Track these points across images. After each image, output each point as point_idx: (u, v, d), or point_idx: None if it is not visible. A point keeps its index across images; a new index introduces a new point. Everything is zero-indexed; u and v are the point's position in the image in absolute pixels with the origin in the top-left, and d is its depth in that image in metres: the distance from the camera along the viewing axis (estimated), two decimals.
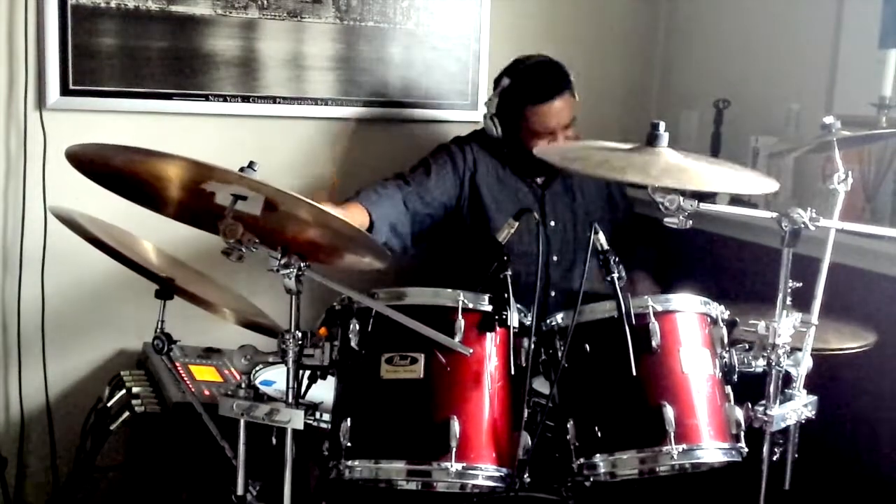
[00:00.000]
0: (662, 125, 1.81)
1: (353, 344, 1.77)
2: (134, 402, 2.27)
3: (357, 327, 1.78)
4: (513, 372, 1.78)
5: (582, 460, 1.77)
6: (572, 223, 2.71)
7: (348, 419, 1.73)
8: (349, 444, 1.72)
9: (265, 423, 1.76)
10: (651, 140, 1.82)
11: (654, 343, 1.76)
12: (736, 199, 2.73)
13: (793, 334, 1.79)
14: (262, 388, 1.93)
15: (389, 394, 1.74)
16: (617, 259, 1.81)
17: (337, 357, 1.80)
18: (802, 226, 1.75)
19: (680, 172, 1.77)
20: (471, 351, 1.73)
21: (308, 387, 1.85)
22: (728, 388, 1.83)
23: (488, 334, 1.78)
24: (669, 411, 1.71)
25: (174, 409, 2.16)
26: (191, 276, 2.08)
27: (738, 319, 1.89)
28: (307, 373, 1.83)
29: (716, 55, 3.08)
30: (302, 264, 1.71)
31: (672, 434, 1.70)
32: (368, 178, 2.61)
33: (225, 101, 2.73)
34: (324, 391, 1.86)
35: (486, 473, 1.71)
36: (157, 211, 1.82)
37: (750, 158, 2.70)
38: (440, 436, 1.68)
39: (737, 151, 2.74)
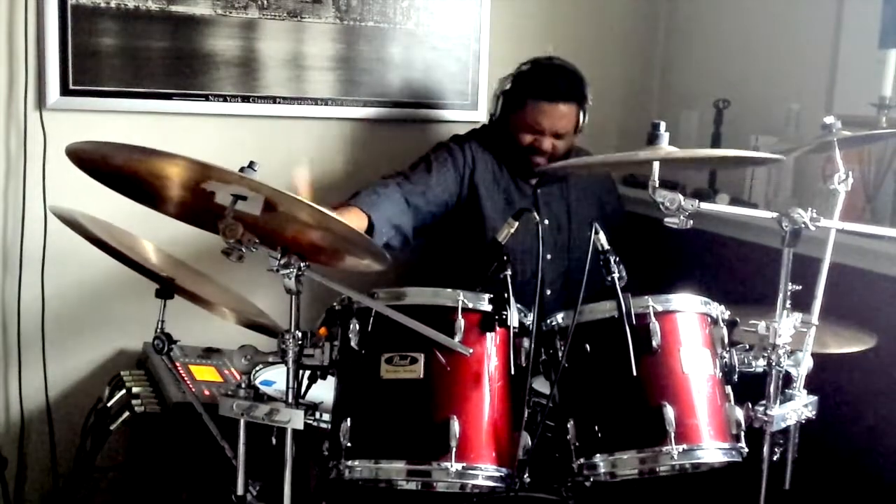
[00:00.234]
0: (663, 125, 1.81)
1: (353, 344, 1.77)
2: (134, 402, 2.27)
3: (357, 327, 1.78)
4: (513, 372, 1.78)
5: (582, 460, 1.77)
6: (566, 222, 2.71)
7: (348, 419, 1.73)
8: (349, 444, 1.72)
9: (265, 423, 1.76)
10: (651, 140, 1.82)
11: (654, 343, 1.76)
12: (736, 200, 2.74)
13: (793, 335, 1.79)
14: (262, 388, 1.93)
15: (389, 394, 1.74)
16: (617, 259, 1.81)
17: (337, 357, 1.80)
18: (803, 226, 1.75)
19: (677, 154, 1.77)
20: (471, 351, 1.73)
21: (308, 387, 1.85)
22: (728, 389, 1.83)
23: (488, 334, 1.78)
24: (670, 411, 1.71)
25: (174, 409, 2.16)
26: (191, 275, 2.08)
27: (738, 319, 1.89)
28: (307, 373, 1.83)
29: (716, 55, 3.08)
30: (302, 264, 1.71)
31: (672, 434, 1.70)
32: (368, 178, 2.61)
33: (225, 101, 2.73)
34: (324, 391, 1.86)
35: (486, 473, 1.71)
36: (158, 209, 1.82)
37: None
38: (440, 436, 1.68)
39: None
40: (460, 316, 1.75)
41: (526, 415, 1.75)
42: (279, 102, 2.80)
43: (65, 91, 2.54)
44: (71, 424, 2.62)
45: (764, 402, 1.79)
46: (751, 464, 1.81)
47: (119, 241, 1.91)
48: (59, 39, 2.51)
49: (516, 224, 1.91)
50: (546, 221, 2.68)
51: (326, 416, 1.83)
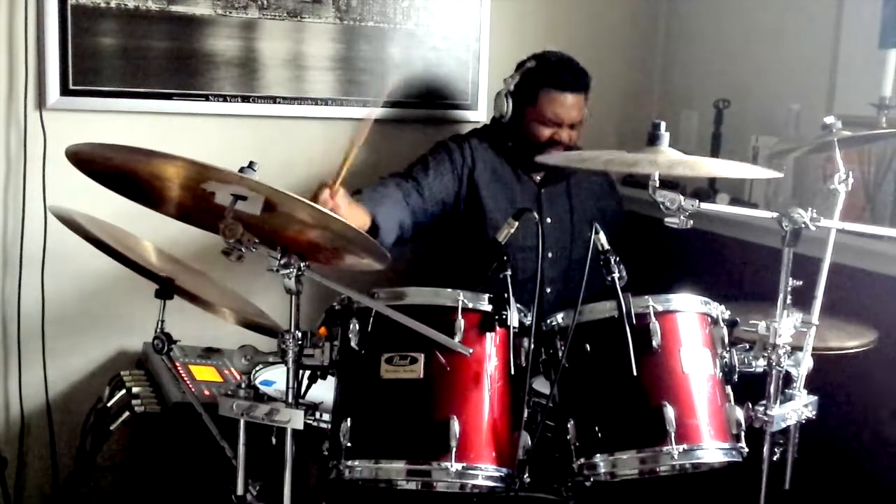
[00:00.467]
0: (663, 125, 1.81)
1: (352, 344, 1.77)
2: (134, 402, 2.27)
3: (357, 327, 1.78)
4: (513, 372, 1.78)
5: (582, 460, 1.77)
6: (569, 221, 2.72)
7: (348, 419, 1.73)
8: (349, 444, 1.72)
9: (265, 423, 1.75)
10: (652, 140, 1.81)
11: (654, 343, 1.76)
12: (736, 199, 2.74)
13: (793, 334, 1.79)
14: (262, 388, 1.93)
15: (389, 394, 1.74)
16: (617, 259, 1.81)
17: (337, 357, 1.80)
18: (803, 226, 1.75)
19: (686, 165, 1.76)
20: (471, 351, 1.73)
21: (308, 387, 1.85)
22: (728, 388, 1.83)
23: (488, 334, 1.78)
24: (670, 411, 1.71)
25: (174, 409, 2.16)
26: (191, 275, 2.08)
27: (738, 319, 1.89)
28: (307, 373, 1.83)
29: (716, 55, 3.08)
30: (302, 264, 1.71)
31: (672, 434, 1.70)
32: (369, 178, 2.61)
33: (225, 101, 2.73)
34: (324, 391, 1.86)
35: (486, 473, 1.71)
36: (157, 209, 1.82)
37: (750, 158, 2.70)
38: (440, 436, 1.68)
39: (737, 151, 2.74)
40: (460, 316, 1.75)
41: (526, 415, 1.75)
42: (279, 102, 2.80)
43: (65, 91, 2.54)
44: (71, 424, 2.62)
45: (764, 402, 1.79)
46: (751, 464, 1.81)
47: (119, 241, 1.91)
48: (59, 39, 2.51)
49: (516, 224, 1.91)
50: (548, 220, 2.68)
51: (326, 416, 1.83)
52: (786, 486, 1.93)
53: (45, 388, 2.66)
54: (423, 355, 1.73)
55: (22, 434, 2.68)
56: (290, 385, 1.77)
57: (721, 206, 2.29)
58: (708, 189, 2.80)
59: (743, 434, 1.78)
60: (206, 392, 2.21)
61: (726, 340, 1.86)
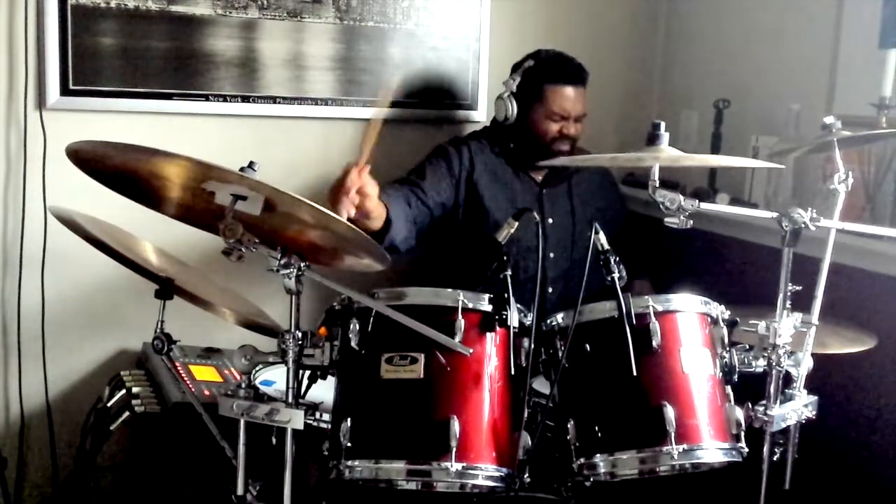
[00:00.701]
0: (663, 125, 1.81)
1: (353, 344, 1.77)
2: (134, 402, 2.27)
3: (357, 327, 1.78)
4: (513, 372, 1.78)
5: (582, 460, 1.77)
6: (570, 221, 2.72)
7: (348, 419, 1.73)
8: (349, 444, 1.72)
9: (265, 423, 1.76)
10: (652, 140, 1.81)
11: (654, 343, 1.76)
12: (736, 199, 2.74)
13: (793, 334, 1.79)
14: (262, 388, 1.93)
15: (389, 394, 1.74)
16: (617, 259, 1.81)
17: (337, 357, 1.80)
18: (803, 226, 1.75)
19: (688, 160, 1.77)
20: (471, 351, 1.73)
21: (308, 387, 1.85)
22: (728, 388, 1.83)
23: (488, 334, 1.78)
24: (670, 411, 1.71)
25: (174, 409, 2.16)
26: (191, 276, 2.08)
27: (738, 319, 1.89)
28: (307, 373, 1.83)
29: (716, 55, 3.08)
30: (302, 264, 1.71)
31: (672, 434, 1.70)
32: None
33: (225, 101, 2.73)
34: (324, 391, 1.86)
35: (486, 473, 1.71)
36: (158, 210, 1.82)
37: (750, 158, 2.70)
38: (440, 436, 1.68)
39: (737, 151, 2.73)
40: (460, 316, 1.75)
41: (526, 415, 1.75)
42: (279, 102, 2.80)
43: (65, 91, 2.54)
44: (71, 424, 2.62)
45: (764, 402, 1.79)
46: (751, 464, 1.81)
47: (118, 241, 1.91)
48: (59, 39, 2.51)
49: (516, 224, 1.91)
50: (550, 221, 2.68)
51: (326, 416, 1.83)
52: (786, 486, 1.93)
53: (45, 388, 2.66)
54: (423, 355, 1.73)
55: (22, 434, 2.68)
56: (290, 385, 1.77)
57: (721, 206, 2.28)
58: (708, 189, 2.80)
59: (743, 434, 1.78)
60: (206, 392, 2.21)
61: (726, 340, 1.86)
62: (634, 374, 1.74)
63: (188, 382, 2.26)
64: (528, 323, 1.83)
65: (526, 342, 1.80)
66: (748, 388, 1.84)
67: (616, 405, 1.78)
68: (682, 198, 1.72)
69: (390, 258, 1.85)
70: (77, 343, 2.70)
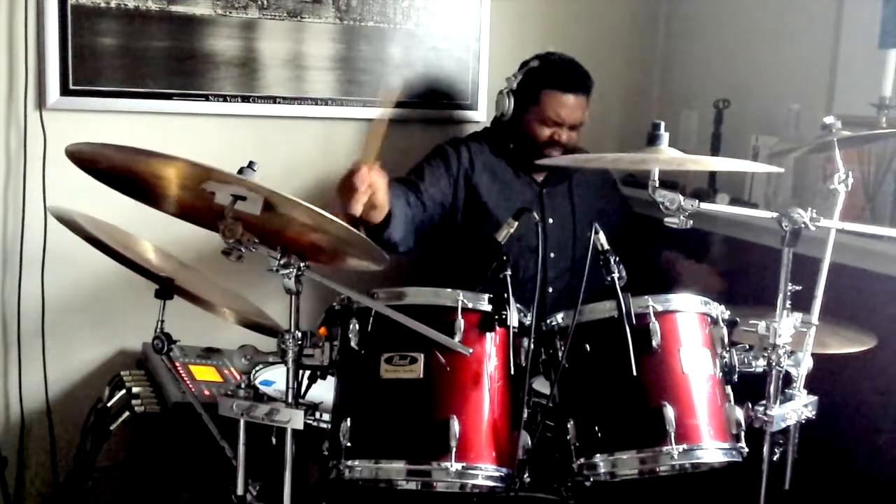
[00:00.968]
0: (663, 125, 1.81)
1: (352, 344, 1.77)
2: (134, 402, 2.27)
3: (357, 327, 1.78)
4: (513, 372, 1.78)
5: (582, 460, 1.77)
6: (571, 221, 2.72)
7: (348, 419, 1.73)
8: (349, 444, 1.72)
9: (265, 423, 1.76)
10: (652, 140, 1.81)
11: (654, 343, 1.76)
12: (736, 199, 2.74)
13: (793, 334, 1.79)
14: (262, 388, 1.93)
15: (389, 394, 1.74)
16: (617, 259, 1.81)
17: (337, 357, 1.80)
18: (803, 226, 1.75)
19: (690, 163, 1.76)
20: (470, 351, 1.73)
21: (308, 387, 1.85)
22: (728, 388, 1.83)
23: (488, 334, 1.78)
24: (670, 411, 1.71)
25: (174, 409, 2.16)
26: (191, 276, 2.08)
27: (738, 319, 1.88)
28: (307, 373, 1.83)
29: (716, 55, 3.08)
30: (302, 264, 1.71)
31: (672, 434, 1.70)
32: None
33: (225, 101, 2.73)
34: (324, 391, 1.86)
35: (485, 473, 1.71)
36: (157, 208, 1.82)
37: (750, 158, 2.70)
38: (440, 436, 1.68)
39: (737, 151, 2.74)
40: (460, 316, 1.75)
41: (526, 415, 1.75)
42: (279, 102, 2.80)
43: (65, 91, 2.54)
44: (71, 424, 2.63)
45: (764, 402, 1.79)
46: (751, 464, 1.81)
47: (118, 241, 1.91)
48: (59, 39, 2.51)
49: (515, 224, 1.91)
50: (550, 221, 2.68)
51: (326, 416, 1.83)
52: (786, 486, 1.93)
53: (45, 388, 2.66)
54: (422, 355, 1.73)
55: (22, 434, 2.68)
56: (290, 385, 1.77)
57: (721, 207, 2.28)
58: (708, 189, 2.80)
59: (743, 434, 1.78)
60: (206, 392, 2.21)
61: (726, 340, 1.85)
62: (634, 374, 1.74)
63: (188, 382, 2.26)
64: (528, 323, 1.83)
65: (526, 342, 1.80)
66: (748, 388, 1.83)
67: (616, 405, 1.78)
68: (681, 198, 1.72)
69: (388, 258, 1.85)
70: (77, 343, 2.70)
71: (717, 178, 2.86)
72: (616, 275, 1.79)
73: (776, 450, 1.85)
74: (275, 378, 2.23)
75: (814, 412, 1.87)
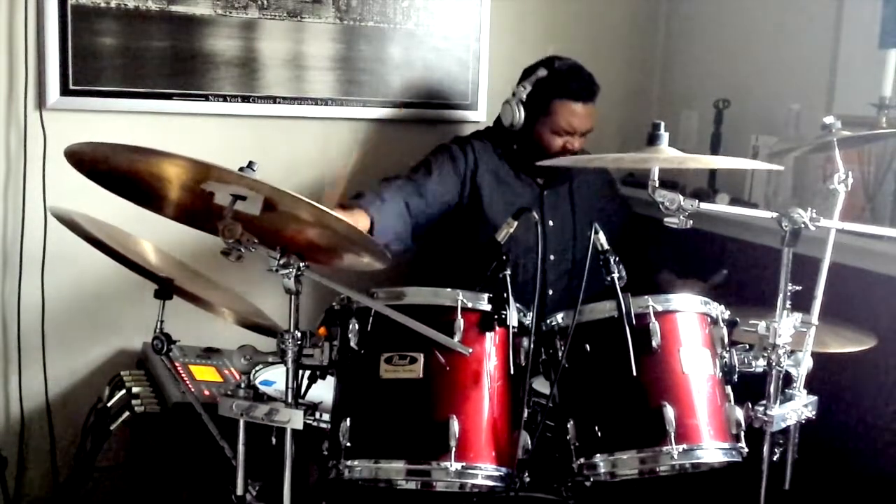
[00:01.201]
0: (663, 125, 1.81)
1: (352, 344, 1.77)
2: (134, 402, 2.27)
3: (356, 327, 1.78)
4: (512, 372, 1.78)
5: (582, 460, 1.77)
6: (571, 223, 2.72)
7: (348, 419, 1.73)
8: (349, 444, 1.72)
9: (265, 423, 1.76)
10: (652, 140, 1.81)
11: (654, 343, 1.76)
12: (736, 199, 2.74)
13: (793, 334, 1.79)
14: (262, 388, 1.93)
15: (389, 393, 1.74)
16: (617, 259, 1.81)
17: (336, 357, 1.80)
18: (802, 226, 1.75)
19: (690, 161, 1.76)
20: (470, 351, 1.73)
21: (308, 387, 1.85)
22: (728, 388, 1.83)
23: (488, 334, 1.78)
24: (670, 411, 1.71)
25: (174, 409, 2.16)
26: (191, 276, 2.08)
27: (738, 319, 1.89)
28: (307, 373, 1.83)
29: (716, 55, 3.08)
30: (301, 264, 1.71)
31: (672, 434, 1.70)
32: (369, 179, 2.61)
33: (225, 101, 2.73)
34: (324, 391, 1.86)
35: (485, 473, 1.71)
36: (157, 211, 1.82)
37: (750, 158, 2.70)
38: (440, 435, 1.68)
39: (737, 151, 2.74)
40: (460, 316, 1.75)
41: (526, 415, 1.75)
42: (279, 102, 2.80)
43: (65, 91, 2.54)
44: (71, 424, 2.63)
45: (764, 402, 1.79)
46: (751, 464, 1.81)
47: (118, 241, 1.91)
48: (59, 39, 2.51)
49: (515, 224, 1.91)
50: (551, 223, 2.68)
51: (326, 416, 1.83)
52: (786, 486, 1.93)
53: (45, 388, 2.66)
54: (422, 355, 1.73)
55: (22, 434, 2.68)
56: (290, 385, 1.77)
57: (721, 207, 2.28)
58: (708, 189, 2.80)
59: (743, 434, 1.78)
60: (206, 392, 2.21)
61: (726, 340, 1.86)
62: (634, 374, 1.74)
63: (188, 382, 2.26)
64: (528, 322, 1.83)
65: (525, 342, 1.80)
66: (748, 388, 1.83)
67: (616, 405, 1.78)
68: (681, 198, 1.72)
69: (390, 256, 1.85)
70: (77, 343, 2.70)
71: (717, 178, 2.86)
72: (616, 275, 1.79)
73: (776, 450, 1.85)
74: (275, 378, 2.23)
75: (814, 412, 1.87)
